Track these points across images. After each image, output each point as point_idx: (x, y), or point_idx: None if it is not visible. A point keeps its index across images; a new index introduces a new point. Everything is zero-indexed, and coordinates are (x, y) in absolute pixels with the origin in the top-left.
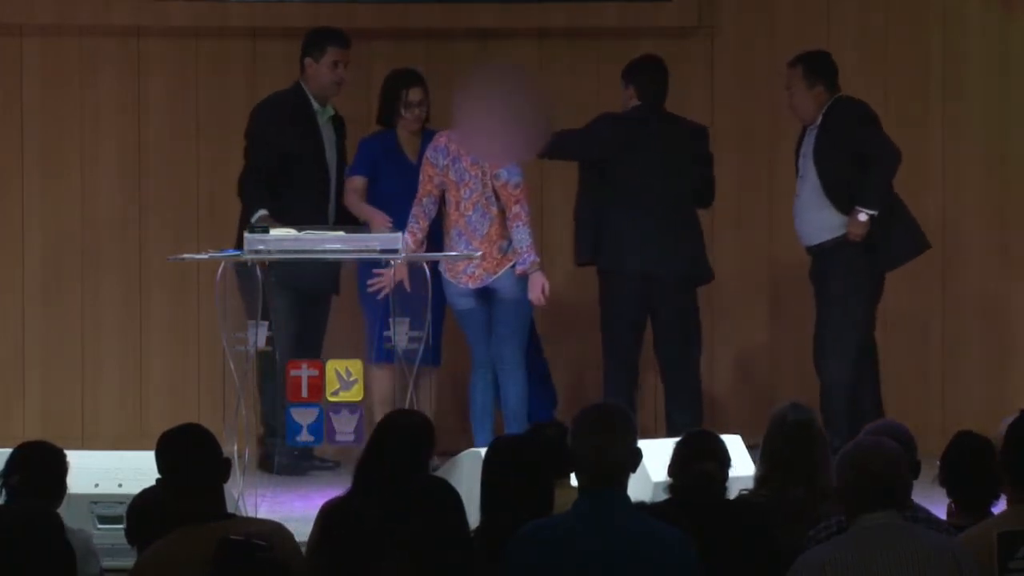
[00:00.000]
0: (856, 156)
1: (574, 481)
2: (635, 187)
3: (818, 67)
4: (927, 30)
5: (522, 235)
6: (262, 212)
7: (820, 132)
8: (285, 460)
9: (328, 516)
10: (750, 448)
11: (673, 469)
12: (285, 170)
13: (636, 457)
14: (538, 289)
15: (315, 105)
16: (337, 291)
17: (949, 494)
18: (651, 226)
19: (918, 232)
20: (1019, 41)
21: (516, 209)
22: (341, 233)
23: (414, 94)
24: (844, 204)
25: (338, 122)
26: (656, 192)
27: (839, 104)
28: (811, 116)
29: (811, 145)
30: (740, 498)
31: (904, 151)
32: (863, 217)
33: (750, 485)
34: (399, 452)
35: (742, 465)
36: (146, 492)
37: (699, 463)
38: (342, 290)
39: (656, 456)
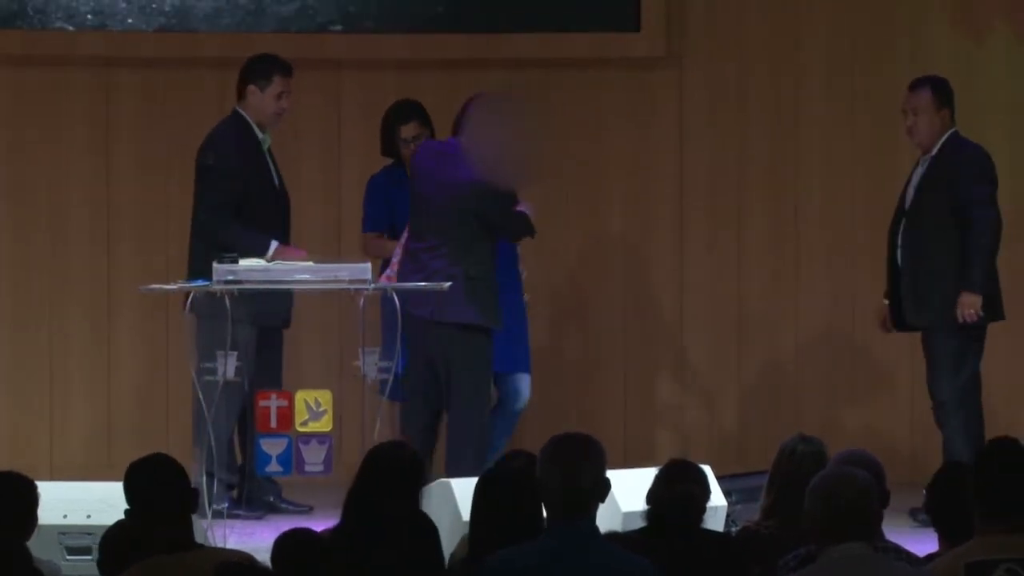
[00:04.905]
0: (957, 210)
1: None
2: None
3: (946, 91)
4: (895, 58)
5: None
6: (275, 244)
7: (934, 163)
8: (256, 494)
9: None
10: (719, 479)
11: (653, 492)
12: (250, 203)
13: (605, 487)
14: None
15: (259, 134)
16: (288, 325)
17: (934, 523)
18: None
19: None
20: (987, 68)
21: None
22: (310, 264)
23: (406, 130)
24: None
25: (270, 151)
26: (430, 226)
27: (958, 141)
28: (932, 142)
29: (920, 176)
30: (741, 529)
31: (872, 178)
32: (968, 299)
33: (722, 516)
34: (389, 486)
35: (714, 496)
36: (120, 523)
37: (681, 485)
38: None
39: (625, 486)
